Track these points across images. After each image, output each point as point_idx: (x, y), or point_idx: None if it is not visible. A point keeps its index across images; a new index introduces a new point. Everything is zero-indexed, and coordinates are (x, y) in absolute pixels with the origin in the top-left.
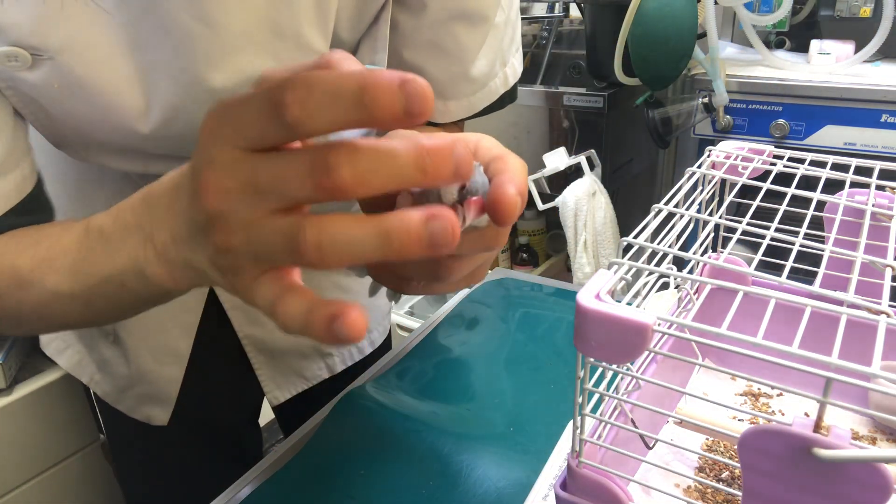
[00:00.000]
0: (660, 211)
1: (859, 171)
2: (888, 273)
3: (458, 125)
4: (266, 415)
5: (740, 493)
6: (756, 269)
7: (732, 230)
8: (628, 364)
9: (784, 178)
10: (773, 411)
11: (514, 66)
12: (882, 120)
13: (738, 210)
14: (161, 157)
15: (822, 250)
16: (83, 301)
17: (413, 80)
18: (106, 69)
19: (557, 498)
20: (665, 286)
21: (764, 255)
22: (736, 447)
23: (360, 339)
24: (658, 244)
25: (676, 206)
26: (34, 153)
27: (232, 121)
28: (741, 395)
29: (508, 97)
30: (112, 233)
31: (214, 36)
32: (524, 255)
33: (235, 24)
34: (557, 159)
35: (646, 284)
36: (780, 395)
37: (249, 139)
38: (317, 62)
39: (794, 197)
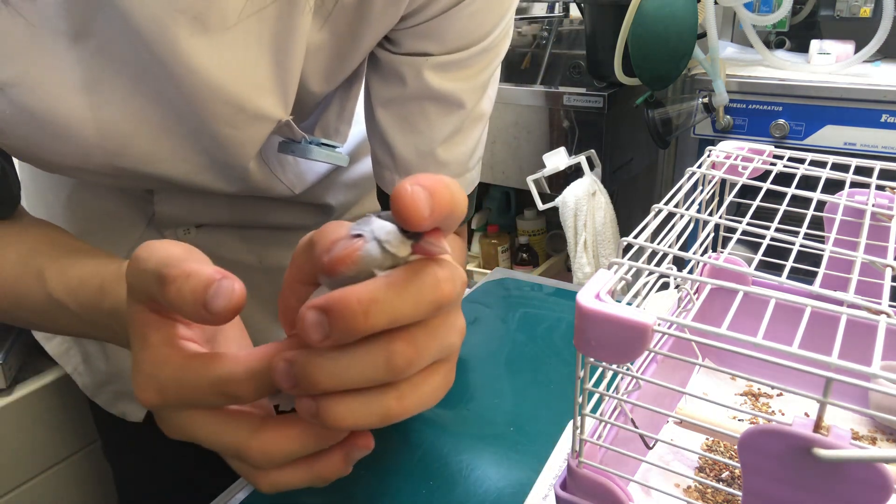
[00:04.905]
0: (660, 211)
1: (859, 171)
2: (888, 273)
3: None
4: None
5: (740, 493)
6: (756, 269)
7: (732, 230)
8: (628, 364)
9: (784, 178)
10: (773, 411)
11: (476, 174)
12: (882, 120)
13: (738, 210)
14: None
15: (822, 250)
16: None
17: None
18: (57, 104)
19: (557, 498)
20: (665, 286)
21: (764, 255)
22: (736, 447)
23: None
24: (658, 244)
25: (676, 206)
26: None
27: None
28: (741, 395)
29: (471, 203)
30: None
31: (169, 82)
32: (524, 255)
33: (192, 84)
34: (557, 159)
35: (646, 284)
36: (780, 395)
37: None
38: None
39: (794, 197)
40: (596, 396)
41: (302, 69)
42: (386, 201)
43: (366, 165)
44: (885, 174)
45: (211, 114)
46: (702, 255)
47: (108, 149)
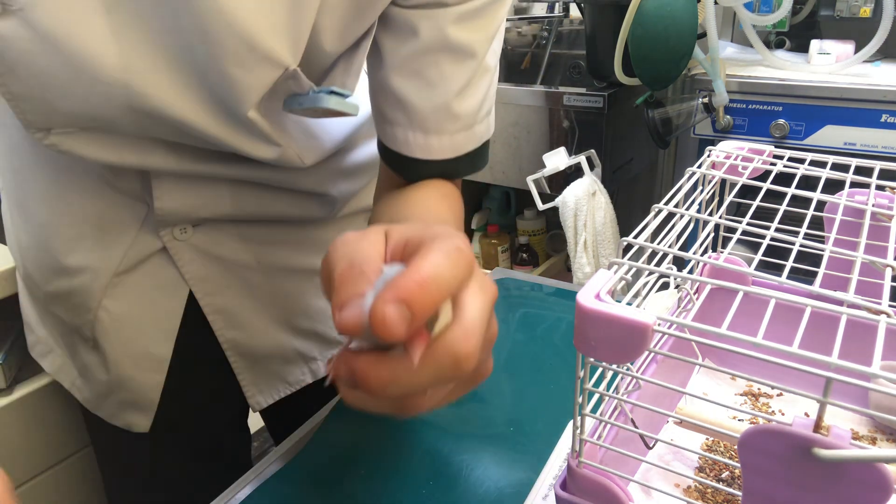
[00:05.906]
0: (660, 211)
1: (859, 171)
2: (888, 273)
3: (455, 183)
4: (260, 420)
5: (740, 493)
6: (756, 269)
7: (732, 230)
8: (628, 364)
9: (784, 178)
10: (773, 411)
11: (490, 124)
12: (882, 120)
13: (738, 210)
14: (135, 143)
15: (822, 250)
16: None
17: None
18: (79, 27)
19: (557, 498)
20: (665, 286)
21: (764, 255)
22: (736, 447)
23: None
24: (658, 244)
25: (676, 206)
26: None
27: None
28: (741, 395)
29: (481, 157)
30: None
31: (186, 9)
32: (524, 255)
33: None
34: (557, 159)
35: (646, 284)
36: (780, 395)
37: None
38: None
39: (794, 197)
40: (596, 396)
41: (318, 25)
42: (393, 163)
43: (365, 152)
44: (885, 174)
45: (221, 48)
46: (702, 255)
47: (130, 82)
